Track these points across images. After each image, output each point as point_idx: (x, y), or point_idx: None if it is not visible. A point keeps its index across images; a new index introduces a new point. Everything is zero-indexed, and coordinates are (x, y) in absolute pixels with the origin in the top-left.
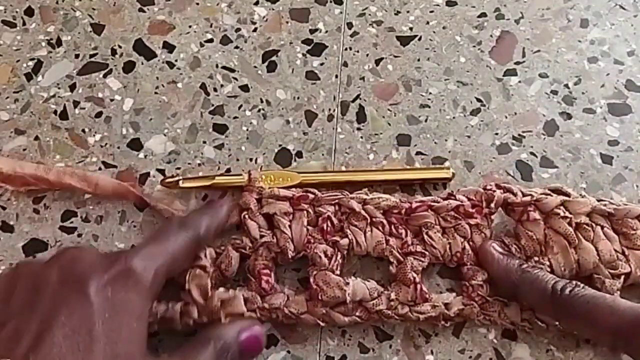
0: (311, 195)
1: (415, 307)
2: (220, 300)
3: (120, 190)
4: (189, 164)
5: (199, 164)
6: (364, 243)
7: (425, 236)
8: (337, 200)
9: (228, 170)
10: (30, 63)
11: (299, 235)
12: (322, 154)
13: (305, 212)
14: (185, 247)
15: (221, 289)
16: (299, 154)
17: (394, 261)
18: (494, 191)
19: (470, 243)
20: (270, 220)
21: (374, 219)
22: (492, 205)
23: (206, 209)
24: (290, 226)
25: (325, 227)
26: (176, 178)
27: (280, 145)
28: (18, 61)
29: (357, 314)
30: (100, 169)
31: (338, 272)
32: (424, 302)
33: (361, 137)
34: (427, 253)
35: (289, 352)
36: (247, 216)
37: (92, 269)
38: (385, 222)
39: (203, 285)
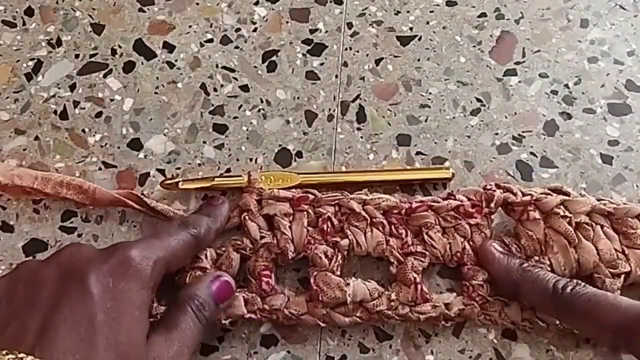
0: (311, 196)
1: (415, 308)
2: None
3: (117, 202)
4: (189, 164)
5: (199, 164)
6: (364, 243)
7: (426, 236)
8: (337, 201)
9: (228, 170)
10: (30, 63)
11: (299, 236)
12: (322, 154)
13: (305, 213)
14: (184, 244)
15: None
16: (299, 154)
17: (395, 261)
18: (494, 191)
19: (471, 243)
20: (271, 221)
21: (374, 220)
22: (492, 205)
23: (207, 210)
24: (290, 227)
25: (325, 228)
26: (176, 180)
27: (280, 145)
28: (18, 61)
29: (358, 314)
30: (100, 169)
31: (338, 273)
32: (424, 303)
33: (361, 137)
34: (427, 253)
35: (289, 352)
36: (247, 217)
37: (91, 262)
38: (385, 222)
39: None
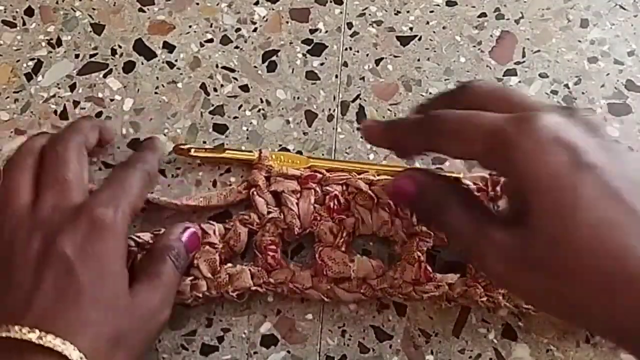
0: (319, 175)
1: (419, 287)
2: (228, 275)
3: None
4: (189, 163)
5: (199, 164)
6: (370, 222)
7: None
8: (344, 180)
9: (228, 170)
10: (30, 63)
11: (305, 212)
12: (322, 154)
13: (312, 190)
14: (141, 183)
15: (229, 264)
16: (299, 154)
17: (399, 241)
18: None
19: None
20: (278, 198)
21: (380, 200)
22: (498, 189)
23: (145, 144)
24: (297, 203)
25: (332, 206)
26: (188, 146)
27: (280, 145)
28: (18, 61)
29: (362, 290)
30: (100, 169)
31: (343, 249)
32: (427, 282)
33: (361, 137)
34: (432, 234)
35: (289, 352)
36: (255, 193)
37: (64, 232)
38: (391, 202)
39: (212, 261)
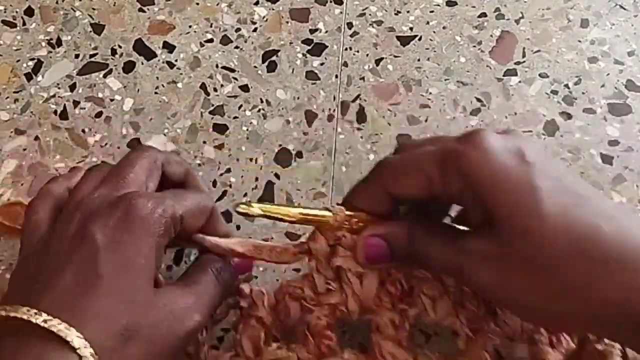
0: None
1: None
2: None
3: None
4: (189, 164)
5: (199, 164)
6: (434, 314)
7: (499, 310)
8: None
9: (229, 170)
10: (30, 63)
11: (367, 295)
12: (322, 154)
13: (377, 271)
14: (196, 200)
15: (274, 345)
16: (299, 154)
17: (463, 336)
18: None
19: None
20: (339, 271)
21: (446, 287)
22: None
23: None
24: (360, 283)
25: (393, 291)
26: (255, 205)
27: (280, 145)
28: (18, 61)
29: None
30: None
31: (405, 344)
32: None
33: (361, 137)
34: (499, 330)
35: None
36: (316, 268)
37: (98, 217)
38: (456, 290)
39: (255, 338)
